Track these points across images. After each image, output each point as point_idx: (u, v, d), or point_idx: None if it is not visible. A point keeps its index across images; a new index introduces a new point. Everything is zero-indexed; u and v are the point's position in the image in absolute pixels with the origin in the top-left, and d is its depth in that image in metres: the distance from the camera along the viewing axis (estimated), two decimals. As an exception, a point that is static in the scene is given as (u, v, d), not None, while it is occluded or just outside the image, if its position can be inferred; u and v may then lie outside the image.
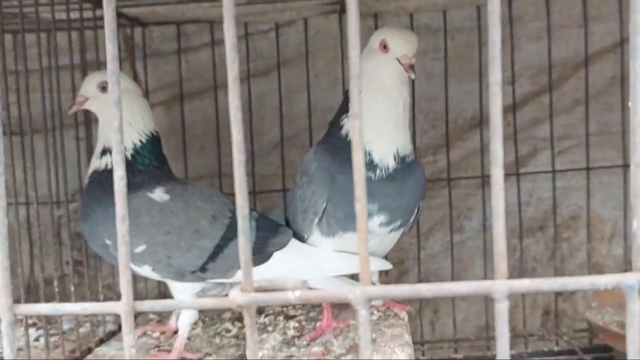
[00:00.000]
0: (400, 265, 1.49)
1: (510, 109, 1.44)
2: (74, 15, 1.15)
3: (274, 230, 1.04)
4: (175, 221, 0.97)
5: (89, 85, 1.03)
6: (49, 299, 1.19)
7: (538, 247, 1.48)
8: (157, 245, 0.96)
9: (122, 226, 0.36)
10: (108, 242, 0.98)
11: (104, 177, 1.00)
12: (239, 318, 1.19)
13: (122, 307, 0.35)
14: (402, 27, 1.19)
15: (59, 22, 1.12)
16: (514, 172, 1.44)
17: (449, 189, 1.44)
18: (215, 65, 1.41)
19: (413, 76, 0.96)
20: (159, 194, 0.99)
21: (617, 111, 1.43)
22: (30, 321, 1.18)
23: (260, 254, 1.00)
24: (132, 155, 1.01)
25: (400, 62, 0.95)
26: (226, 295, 1.05)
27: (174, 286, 1.01)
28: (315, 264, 1.02)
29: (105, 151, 1.02)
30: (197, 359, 1.01)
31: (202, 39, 1.42)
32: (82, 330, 1.14)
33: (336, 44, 1.41)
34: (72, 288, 1.12)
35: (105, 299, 1.21)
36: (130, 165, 0.99)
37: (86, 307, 0.36)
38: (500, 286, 0.33)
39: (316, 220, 1.02)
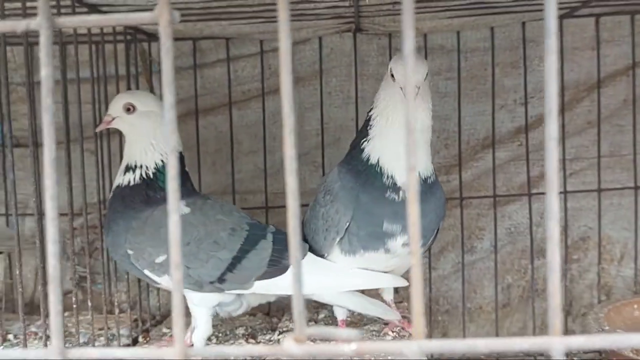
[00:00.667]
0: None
1: (522, 130, 1.45)
2: (95, 29, 1.16)
3: (287, 247, 1.04)
4: (195, 233, 1.00)
5: (116, 106, 1.06)
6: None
7: (546, 268, 1.48)
8: None
9: (176, 273, 0.37)
10: (129, 252, 1.01)
11: (126, 192, 1.03)
12: (253, 335, 1.19)
13: (175, 353, 0.35)
14: (415, 55, 1.20)
15: (80, 35, 1.13)
16: (525, 192, 1.44)
17: (461, 209, 1.44)
18: (230, 82, 1.41)
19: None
20: (180, 207, 0.99)
21: (629, 133, 1.43)
22: (41, 334, 1.18)
23: (277, 267, 1.02)
24: (154, 174, 1.04)
25: (403, 92, 0.97)
26: (242, 311, 1.07)
27: (192, 298, 1.02)
28: (331, 277, 1.04)
29: (129, 168, 1.05)
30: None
31: (218, 55, 1.42)
32: (97, 344, 1.14)
33: (350, 62, 1.41)
34: (74, 304, 1.11)
35: (109, 314, 1.21)
36: (152, 183, 1.03)
37: (138, 352, 0.36)
38: (557, 344, 0.33)
39: (338, 239, 1.04)
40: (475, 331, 1.49)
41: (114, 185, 1.08)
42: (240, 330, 1.20)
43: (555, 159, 0.36)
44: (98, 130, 1.10)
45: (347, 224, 1.02)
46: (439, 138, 1.45)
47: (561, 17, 1.38)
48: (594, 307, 1.38)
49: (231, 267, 1.00)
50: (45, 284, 1.08)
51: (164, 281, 1.02)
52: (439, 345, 0.35)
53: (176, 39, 1.39)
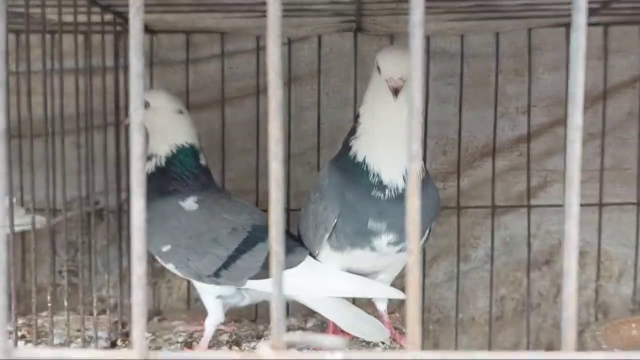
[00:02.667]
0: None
1: (522, 140, 1.41)
2: (81, 18, 1.12)
3: (289, 249, 1.06)
4: (198, 229, 1.08)
5: None
6: (40, 308, 1.14)
7: (544, 282, 1.44)
8: (179, 248, 1.08)
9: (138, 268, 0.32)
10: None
11: (147, 180, 1.07)
12: (237, 342, 1.14)
13: (134, 355, 0.30)
14: (401, 47, 1.21)
15: (66, 24, 1.09)
16: (524, 204, 1.40)
17: (458, 218, 1.40)
18: (224, 78, 1.37)
19: (395, 100, 0.95)
20: (189, 203, 1.11)
21: (632, 147, 1.40)
22: (19, 333, 1.13)
23: (268, 270, 1.00)
24: (166, 163, 1.13)
25: (387, 85, 0.95)
26: (247, 303, 1.12)
27: (197, 286, 1.12)
28: (322, 283, 1.05)
29: (149, 157, 1.15)
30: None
31: (212, 50, 1.38)
32: (73, 346, 1.09)
33: (350, 63, 1.37)
34: (65, 301, 1.07)
35: (99, 313, 1.16)
36: (165, 172, 1.13)
37: (94, 354, 0.31)
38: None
39: (327, 236, 1.03)
40: (468, 343, 1.44)
41: None
42: (224, 337, 1.17)
43: (578, 154, 0.31)
44: (124, 124, 1.24)
45: (335, 220, 1.02)
46: (437, 144, 1.42)
47: (567, 25, 1.34)
48: (590, 324, 1.34)
49: (226, 264, 1.06)
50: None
51: (170, 268, 1.11)
52: (434, 356, 0.30)
53: (168, 32, 1.35)
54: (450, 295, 1.43)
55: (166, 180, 1.12)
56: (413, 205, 0.34)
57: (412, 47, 0.34)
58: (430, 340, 1.45)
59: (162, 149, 1.14)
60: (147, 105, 1.14)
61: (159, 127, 1.14)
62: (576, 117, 0.31)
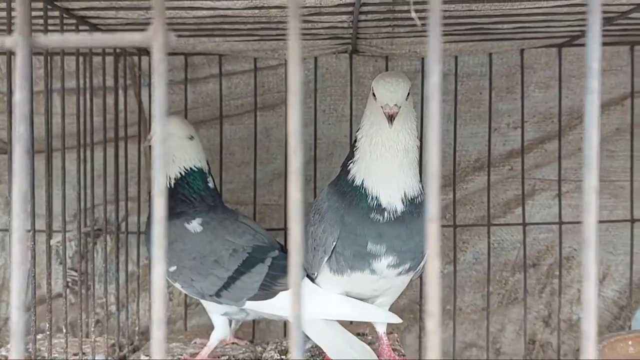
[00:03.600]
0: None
1: (513, 154, 1.44)
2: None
3: (286, 271, 1.10)
4: (201, 250, 1.12)
5: (153, 127, 1.14)
6: (40, 319, 1.15)
7: (530, 280, 1.48)
8: (184, 268, 1.12)
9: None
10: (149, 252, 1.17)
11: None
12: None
13: None
14: (396, 73, 1.24)
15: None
16: (520, 222, 1.43)
17: (454, 235, 1.43)
18: (221, 98, 1.39)
19: (391, 127, 0.96)
20: (194, 225, 1.15)
21: (619, 159, 1.44)
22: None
23: (266, 291, 1.09)
24: (174, 185, 1.17)
25: (383, 112, 0.96)
26: (250, 319, 1.17)
27: (203, 302, 1.16)
28: (317, 306, 1.05)
29: None
30: None
31: (210, 70, 1.40)
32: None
33: (345, 82, 1.40)
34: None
35: (96, 335, 1.17)
36: (173, 194, 1.16)
37: None
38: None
39: (326, 258, 1.04)
40: (456, 328, 1.47)
41: None
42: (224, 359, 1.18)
43: (594, 216, 0.33)
44: (145, 145, 1.30)
45: (334, 243, 1.02)
46: (430, 159, 1.44)
47: (560, 46, 1.37)
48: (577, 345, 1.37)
49: (226, 285, 1.10)
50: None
51: (177, 287, 1.16)
52: None
53: (168, 53, 1.36)
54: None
55: (173, 201, 1.15)
56: (433, 231, 0.35)
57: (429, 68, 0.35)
58: (422, 326, 1.48)
59: (172, 171, 1.18)
60: None
61: (170, 151, 1.18)
62: (592, 179, 0.33)
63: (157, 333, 0.37)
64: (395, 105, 0.95)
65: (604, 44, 1.35)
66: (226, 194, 1.39)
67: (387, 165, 1.00)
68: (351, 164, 1.03)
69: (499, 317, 1.49)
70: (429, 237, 0.35)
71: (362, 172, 1.01)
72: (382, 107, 0.96)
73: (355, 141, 1.04)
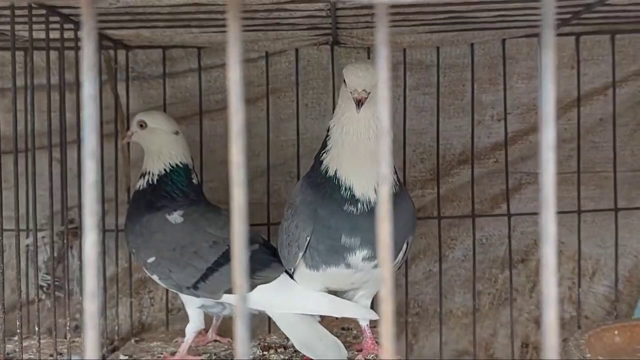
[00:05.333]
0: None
1: (497, 147, 1.42)
2: (54, 34, 1.10)
3: (265, 265, 1.09)
4: (181, 241, 1.12)
5: (133, 123, 1.21)
6: (9, 332, 1.12)
7: (519, 278, 1.46)
8: (163, 259, 1.11)
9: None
10: (133, 250, 1.16)
11: (136, 196, 1.19)
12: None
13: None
14: (366, 61, 1.22)
15: (37, 40, 1.07)
16: (499, 206, 1.41)
17: (439, 227, 1.41)
18: (201, 92, 1.36)
19: (358, 112, 0.95)
20: (174, 217, 1.14)
21: (603, 150, 1.42)
22: None
23: None
24: (158, 181, 1.17)
25: (352, 97, 0.95)
26: (228, 313, 1.14)
27: (181, 294, 1.15)
28: (293, 301, 1.05)
29: (142, 175, 1.19)
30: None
31: (189, 64, 1.38)
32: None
33: (327, 75, 1.38)
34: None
35: (72, 336, 1.14)
36: (156, 190, 1.16)
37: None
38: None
39: (300, 254, 1.02)
40: (446, 333, 1.45)
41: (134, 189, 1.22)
42: (204, 357, 1.16)
43: (552, 175, 0.32)
44: (123, 143, 1.28)
45: (308, 238, 1.01)
46: (414, 152, 1.43)
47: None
48: (574, 333, 1.35)
49: (204, 277, 1.08)
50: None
51: (155, 279, 1.15)
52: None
53: (145, 47, 1.34)
54: (428, 290, 1.45)
55: (155, 197, 1.15)
56: (384, 231, 0.34)
57: (378, 63, 0.34)
58: (410, 331, 1.46)
59: (156, 167, 1.17)
60: (144, 125, 1.19)
61: (155, 146, 1.18)
62: (549, 136, 0.31)
63: (90, 306, 0.35)
64: (364, 90, 0.94)
65: (584, 33, 1.35)
66: (207, 194, 1.36)
67: (359, 153, 0.99)
68: (324, 154, 1.02)
69: (490, 321, 1.46)
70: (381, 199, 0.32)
71: (334, 161, 1.00)
72: (351, 92, 0.95)
73: (328, 130, 1.03)
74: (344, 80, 0.97)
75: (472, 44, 1.37)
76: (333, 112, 1.35)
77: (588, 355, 1.17)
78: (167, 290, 1.33)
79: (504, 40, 1.37)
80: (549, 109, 0.36)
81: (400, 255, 1.06)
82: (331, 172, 0.99)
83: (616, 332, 1.30)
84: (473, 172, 1.40)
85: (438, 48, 1.37)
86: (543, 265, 0.35)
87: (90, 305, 0.36)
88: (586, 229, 1.44)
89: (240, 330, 0.33)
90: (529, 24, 1.27)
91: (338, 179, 0.99)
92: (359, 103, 0.94)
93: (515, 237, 1.45)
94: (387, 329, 0.32)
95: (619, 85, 1.41)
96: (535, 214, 1.42)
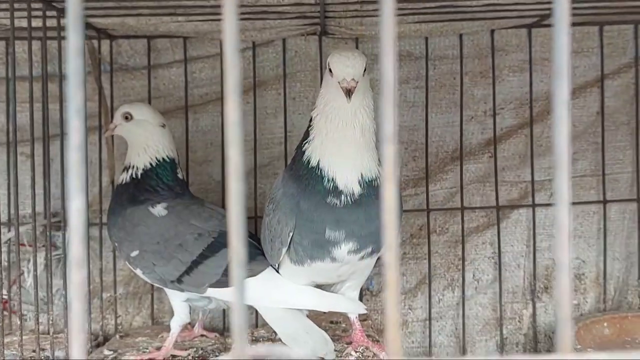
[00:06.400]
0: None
1: (492, 142, 1.39)
2: (36, 23, 1.07)
3: (250, 257, 1.05)
4: (166, 234, 1.08)
5: (117, 115, 1.17)
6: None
7: (519, 281, 1.43)
8: (147, 253, 1.08)
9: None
10: (116, 244, 1.14)
11: (119, 190, 1.15)
12: (204, 357, 1.10)
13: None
14: (352, 48, 1.18)
15: (19, 29, 1.04)
16: (493, 205, 1.39)
17: (428, 223, 1.38)
18: (187, 84, 1.33)
19: (349, 102, 0.93)
20: (158, 209, 1.11)
21: (607, 151, 1.38)
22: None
23: (229, 277, 0.99)
24: (142, 175, 1.13)
25: (340, 87, 0.93)
26: (214, 306, 1.12)
27: (166, 290, 1.12)
28: (279, 295, 1.03)
29: (125, 168, 1.16)
30: (185, 355, 1.10)
31: (174, 55, 1.34)
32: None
33: (315, 66, 1.35)
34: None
35: (56, 332, 1.10)
36: (139, 184, 1.12)
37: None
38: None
39: (284, 250, 1.00)
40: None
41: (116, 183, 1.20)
42: (190, 352, 1.11)
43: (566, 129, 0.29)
44: (105, 136, 1.24)
45: (291, 233, 0.98)
46: (407, 150, 1.40)
47: (530, 26, 1.35)
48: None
49: (189, 270, 1.06)
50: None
51: (138, 273, 1.11)
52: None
53: (129, 36, 1.31)
54: (413, 279, 1.40)
55: (139, 191, 1.12)
56: (389, 192, 0.31)
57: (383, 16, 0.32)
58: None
59: (141, 161, 1.14)
60: (130, 117, 1.15)
61: (142, 139, 1.14)
62: (563, 91, 0.29)
63: (76, 275, 0.32)
64: (353, 79, 0.92)
65: (573, 24, 1.33)
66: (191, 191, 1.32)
67: (343, 144, 0.96)
68: (306, 144, 0.99)
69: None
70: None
71: (317, 151, 0.97)
72: (339, 82, 0.93)
73: (311, 120, 1.00)
74: (329, 69, 0.95)
75: (460, 35, 1.35)
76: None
77: (578, 347, 1.16)
78: (152, 286, 1.29)
79: (492, 32, 1.35)
80: (562, 62, 0.33)
81: None
82: (314, 163, 0.97)
83: (605, 324, 1.29)
84: (462, 162, 1.37)
85: (427, 39, 1.35)
86: (556, 228, 0.33)
87: (76, 274, 0.33)
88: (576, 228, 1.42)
89: (238, 303, 0.30)
90: (518, 14, 1.26)
91: (321, 170, 0.96)
92: (349, 93, 0.92)
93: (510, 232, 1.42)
94: (392, 296, 0.30)
95: (612, 78, 1.39)
96: (522, 206, 1.40)
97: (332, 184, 0.95)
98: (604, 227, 1.40)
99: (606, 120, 1.38)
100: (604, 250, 1.40)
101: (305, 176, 0.97)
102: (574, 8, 1.19)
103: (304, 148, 0.99)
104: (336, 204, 0.95)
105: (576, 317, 1.37)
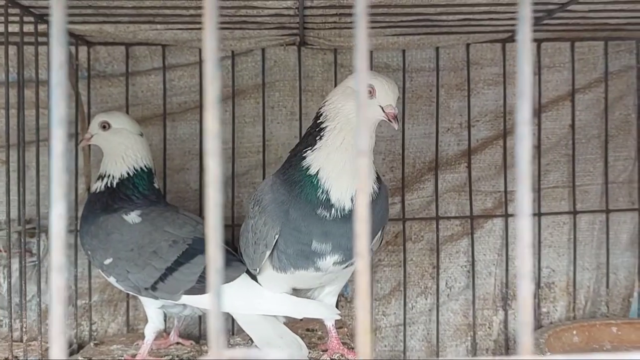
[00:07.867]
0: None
1: (467, 153, 1.42)
2: (13, 28, 1.07)
3: (225, 263, 1.03)
4: (140, 241, 1.08)
5: (94, 124, 1.17)
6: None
7: (490, 288, 1.45)
8: (120, 260, 1.07)
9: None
10: (89, 252, 1.13)
11: (93, 198, 1.15)
12: None
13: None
14: (384, 75, 1.23)
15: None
16: (467, 214, 1.42)
17: (404, 231, 1.40)
18: (165, 92, 1.33)
19: (397, 127, 0.96)
20: (132, 217, 1.11)
21: (578, 163, 1.42)
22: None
23: (204, 284, 1.05)
24: (117, 184, 1.13)
25: (384, 111, 0.95)
26: (189, 313, 1.12)
27: (140, 297, 1.11)
28: (254, 302, 1.03)
29: (100, 177, 1.15)
30: None
31: (153, 63, 1.34)
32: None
33: (294, 76, 1.36)
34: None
35: (29, 339, 1.08)
36: (114, 193, 1.12)
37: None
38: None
39: (268, 253, 1.00)
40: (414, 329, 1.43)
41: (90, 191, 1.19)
42: (165, 359, 1.11)
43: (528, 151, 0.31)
44: (81, 146, 1.23)
45: (276, 237, 0.98)
46: (384, 160, 1.42)
47: (504, 41, 1.39)
48: (534, 332, 1.37)
49: (163, 277, 1.05)
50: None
51: (112, 281, 1.10)
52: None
53: (108, 43, 1.31)
54: (387, 286, 1.42)
55: (112, 199, 1.12)
56: (362, 202, 0.32)
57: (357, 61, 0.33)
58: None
59: (118, 170, 1.13)
60: (108, 126, 1.15)
61: (121, 148, 1.14)
62: (525, 112, 0.30)
63: (57, 279, 0.33)
64: (395, 106, 0.96)
65: (546, 39, 1.38)
66: (168, 199, 1.32)
67: (349, 162, 0.96)
68: (308, 151, 0.98)
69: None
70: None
71: (320, 161, 0.97)
72: (382, 106, 0.95)
73: (320, 130, 0.99)
74: (370, 90, 0.95)
75: (437, 48, 1.38)
76: (300, 116, 1.34)
77: (548, 354, 1.18)
78: (128, 294, 1.28)
79: (468, 46, 1.38)
80: (525, 86, 0.35)
81: (371, 244, 1.05)
82: (312, 171, 0.97)
83: (574, 332, 1.32)
84: (437, 176, 1.40)
85: (404, 51, 1.38)
86: (518, 240, 0.35)
87: (58, 278, 0.33)
88: (547, 238, 1.45)
89: (214, 306, 0.31)
90: (492, 29, 1.29)
91: (318, 180, 0.96)
92: (395, 118, 0.95)
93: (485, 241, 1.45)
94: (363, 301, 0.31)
95: (583, 92, 1.43)
96: (496, 216, 1.43)
97: (325, 196, 0.95)
98: (574, 237, 1.44)
99: (577, 134, 1.43)
100: (574, 259, 1.44)
101: (299, 183, 0.97)
102: (547, 24, 1.23)
103: (304, 154, 0.99)
104: (326, 217, 0.95)
105: (546, 325, 1.40)
